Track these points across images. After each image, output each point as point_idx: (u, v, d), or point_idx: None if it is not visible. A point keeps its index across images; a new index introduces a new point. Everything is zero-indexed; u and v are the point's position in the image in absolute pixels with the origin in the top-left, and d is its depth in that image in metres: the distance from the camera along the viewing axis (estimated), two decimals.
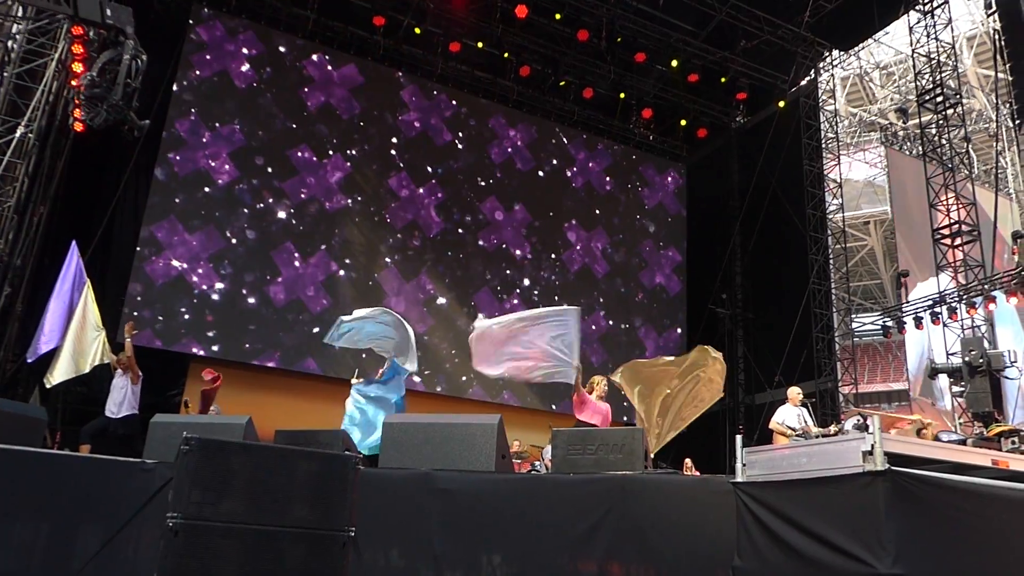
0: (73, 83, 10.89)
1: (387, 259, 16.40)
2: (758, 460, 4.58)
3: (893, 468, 3.71)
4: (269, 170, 15.48)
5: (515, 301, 17.57)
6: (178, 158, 14.65)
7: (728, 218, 19.58)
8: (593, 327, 18.30)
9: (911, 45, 16.02)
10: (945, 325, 14.24)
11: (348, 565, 3.14)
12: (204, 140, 14.97)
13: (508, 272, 17.71)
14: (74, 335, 8.18)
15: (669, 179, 20.73)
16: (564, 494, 5.84)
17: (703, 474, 13.58)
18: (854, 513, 3.80)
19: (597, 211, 19.38)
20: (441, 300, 16.75)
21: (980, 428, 5.56)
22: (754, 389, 18.30)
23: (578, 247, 18.83)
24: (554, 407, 16.70)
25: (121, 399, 8.46)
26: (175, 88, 14.82)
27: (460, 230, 17.33)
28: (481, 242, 17.51)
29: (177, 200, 14.51)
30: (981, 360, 5.20)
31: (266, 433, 8.71)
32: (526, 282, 17.90)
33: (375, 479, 5.86)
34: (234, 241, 14.87)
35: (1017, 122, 12.79)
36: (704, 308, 19.13)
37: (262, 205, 15.27)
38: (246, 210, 15.10)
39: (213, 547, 2.87)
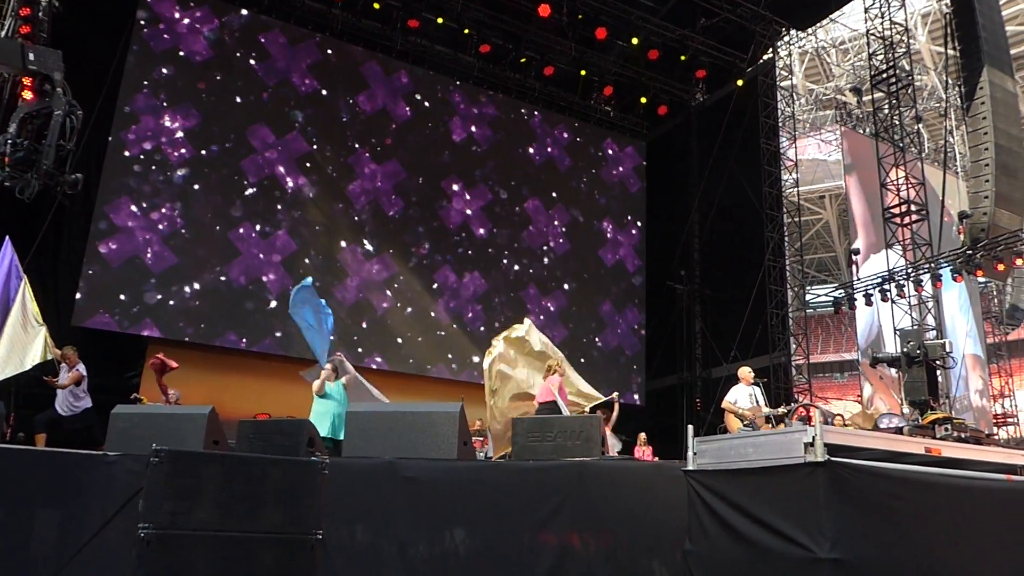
0: None
1: (347, 238, 16.37)
2: (708, 449, 4.80)
3: (832, 459, 3.95)
4: (226, 148, 15.30)
5: (475, 278, 17.70)
6: (131, 137, 14.40)
7: (687, 195, 19.88)
8: (552, 305, 18.53)
9: (866, 23, 16.32)
10: (893, 302, 14.72)
11: (318, 566, 3.28)
12: (158, 118, 14.72)
13: (469, 250, 17.81)
14: (13, 331, 8.07)
15: (629, 156, 20.92)
16: (525, 480, 6.02)
17: (658, 447, 14.09)
18: (796, 501, 4.05)
19: (558, 188, 19.51)
20: (402, 278, 16.81)
21: (916, 416, 5.89)
22: (711, 363, 18.73)
23: (539, 224, 18.97)
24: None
25: (62, 399, 8.61)
26: (127, 64, 14.51)
27: (421, 208, 17.35)
28: (443, 219, 17.56)
29: (131, 181, 14.29)
30: (919, 351, 5.50)
31: (229, 417, 8.79)
32: (486, 259, 18.02)
33: (341, 469, 5.99)
34: (191, 221, 14.72)
35: (965, 104, 13.17)
36: (663, 284, 19.47)
37: (219, 184, 15.11)
38: (202, 189, 14.93)
39: (186, 556, 2.98)
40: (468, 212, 17.97)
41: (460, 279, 17.53)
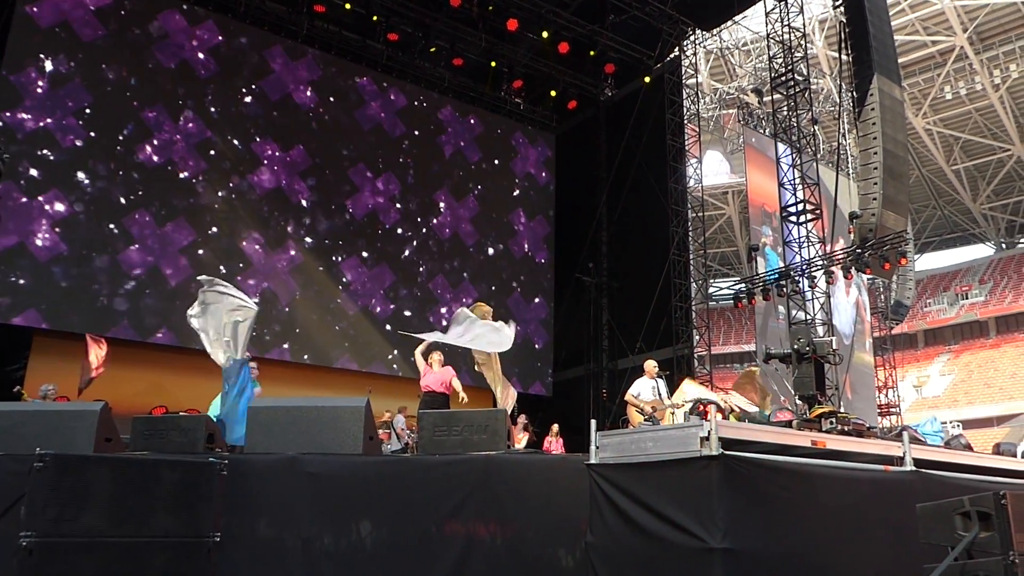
0: None
1: (250, 227, 15.94)
2: (610, 443, 4.93)
3: (726, 452, 4.12)
4: (120, 131, 14.63)
5: (383, 269, 17.55)
6: (18, 117, 13.60)
7: (596, 189, 20.20)
8: (461, 296, 18.56)
9: (767, 28, 16.95)
10: (789, 297, 15.39)
11: (215, 569, 3.20)
12: (45, 97, 13.94)
13: (377, 240, 17.63)
14: None
15: (539, 149, 21.11)
16: (431, 475, 6.04)
17: (566, 438, 14.30)
18: (692, 493, 4.21)
19: (467, 179, 19.52)
20: (308, 268, 16.50)
21: (804, 410, 6.21)
22: (617, 355, 19.14)
23: (448, 215, 18.95)
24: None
25: None
26: (9, 39, 13.67)
27: (327, 197, 17.05)
28: (350, 209, 17.31)
29: (18, 166, 13.49)
30: (808, 348, 5.79)
31: (124, 413, 8.46)
32: (395, 250, 17.88)
33: (241, 466, 5.86)
34: (81, 206, 14.03)
35: (857, 109, 13.86)
36: (571, 277, 19.76)
37: (112, 167, 14.44)
38: (94, 173, 14.24)
39: (72, 565, 2.84)
40: (377, 202, 17.77)
41: (368, 270, 17.34)
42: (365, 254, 17.39)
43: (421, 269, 18.24)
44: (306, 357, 16.07)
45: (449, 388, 8.68)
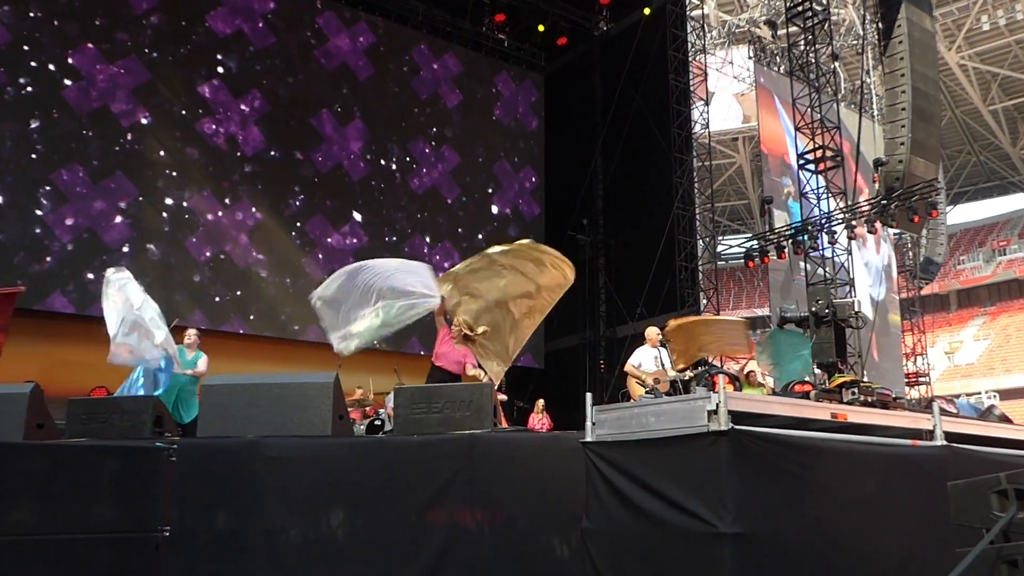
0: None
1: (200, 183, 15.77)
2: (607, 419, 4.94)
3: (736, 427, 4.14)
4: (43, 73, 14.32)
5: (354, 228, 17.45)
6: None
7: (590, 136, 20.10)
8: (440, 259, 18.51)
9: None
10: (807, 254, 15.43)
11: (164, 566, 3.18)
12: None
13: (345, 196, 17.50)
14: None
15: (525, 91, 20.94)
16: (408, 457, 6.05)
17: (560, 414, 14.40)
18: (698, 473, 4.23)
19: (445, 126, 19.36)
20: (268, 230, 16.37)
21: (823, 379, 6.22)
22: (616, 322, 19.20)
23: (424, 167, 18.82)
24: (402, 348, 16.89)
25: None
26: None
27: (288, 147, 16.87)
28: (313, 161, 17.14)
29: None
30: (827, 311, 5.76)
31: (58, 395, 8.41)
32: (367, 207, 17.76)
33: (194, 452, 5.85)
34: (3, 158, 13.80)
35: (883, 43, 13.78)
36: (563, 234, 19.70)
37: (39, 114, 14.17)
38: (12, 123, 13.97)
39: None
40: (343, 154, 17.60)
41: (336, 230, 17.23)
42: (333, 212, 17.26)
43: (397, 227, 18.14)
44: (266, 330, 16.01)
45: (463, 371, 8.29)
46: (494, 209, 19.82)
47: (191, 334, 8.90)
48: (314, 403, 6.33)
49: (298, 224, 16.79)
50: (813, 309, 5.89)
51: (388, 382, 12.18)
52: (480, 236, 19.36)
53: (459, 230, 19.12)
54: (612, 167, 19.69)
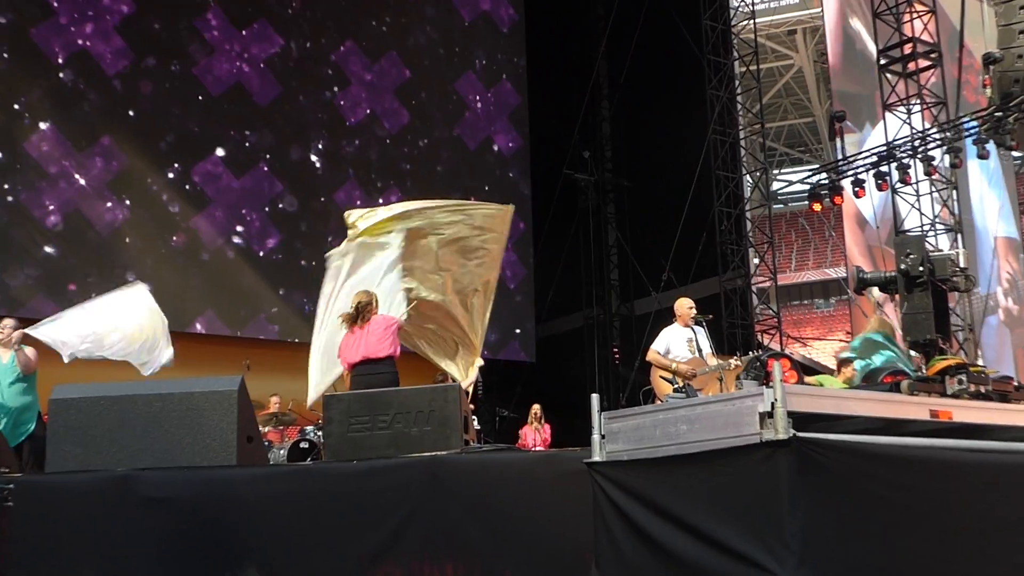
0: None
1: (41, 116, 15.60)
2: (622, 429, 4.91)
3: (800, 435, 4.11)
4: None
5: (260, 174, 17.34)
6: None
7: (590, 35, 20.00)
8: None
9: None
10: (895, 191, 15.44)
11: None
12: None
13: (247, 130, 17.34)
14: None
15: None
16: (350, 490, 6.06)
17: (557, 423, 14.46)
18: (749, 500, 4.20)
19: (387, 27, 19.21)
20: (134, 178, 16.24)
21: (919, 363, 6.21)
22: (633, 294, 19.28)
23: (359, 86, 18.69)
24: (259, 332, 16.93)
25: None
26: None
27: (160, 62, 16.67)
28: (197, 80, 16.97)
29: None
30: (922, 268, 5.71)
31: None
32: (278, 144, 17.63)
33: (39, 492, 5.82)
34: None
35: None
36: (557, 173, 19.70)
37: None
38: None
39: None
40: (240, 68, 17.43)
41: (236, 177, 17.11)
42: (225, 152, 17.10)
43: (321, 172, 18.02)
44: None
45: (397, 349, 8.30)
46: (460, 142, 19.72)
47: (6, 325, 8.78)
48: (211, 421, 6.31)
49: (177, 167, 16.63)
50: (903, 267, 5.82)
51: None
52: (436, 182, 19.28)
53: (406, 171, 19.01)
54: (622, 77, 19.63)
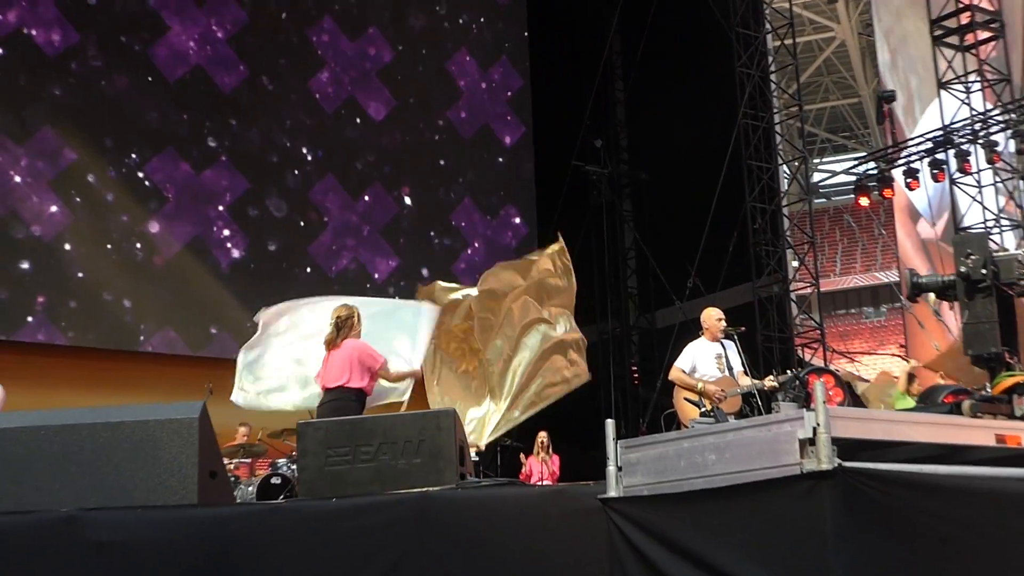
0: None
1: None
2: (641, 460, 4.90)
3: (846, 465, 4.10)
4: None
5: (224, 170, 17.35)
6: None
7: (601, 6, 19.99)
8: (368, 214, 18.45)
9: None
10: (953, 181, 15.41)
11: None
12: None
13: (207, 119, 17.36)
14: None
15: None
16: (323, 535, 6.02)
17: (566, 454, 14.44)
18: (787, 540, 4.19)
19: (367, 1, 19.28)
20: (79, 175, 16.25)
21: (983, 382, 6.16)
22: (653, 304, 19.26)
23: (338, 66, 18.70)
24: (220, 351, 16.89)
25: None
26: None
27: (108, 41, 16.69)
28: (152, 63, 16.98)
29: None
30: (984, 271, 5.65)
31: None
32: (241, 134, 17.63)
33: None
34: None
35: None
36: (565, 165, 19.67)
37: None
38: None
39: None
40: (203, 49, 17.46)
41: (195, 174, 17.11)
42: (187, 145, 17.12)
43: (291, 168, 18.05)
44: (90, 338, 15.94)
45: (372, 378, 8.46)
46: (452, 128, 19.72)
47: None
48: (168, 453, 6.28)
49: (129, 165, 16.64)
50: (963, 269, 5.77)
51: (292, 415, 12.17)
52: (426, 176, 19.31)
53: (391, 165, 19.03)
54: (638, 55, 19.62)
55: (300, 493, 6.80)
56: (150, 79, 16.97)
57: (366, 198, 18.40)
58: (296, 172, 18.11)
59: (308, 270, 17.78)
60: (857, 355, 28.04)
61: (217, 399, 10.48)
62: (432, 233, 19.17)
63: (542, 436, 14.42)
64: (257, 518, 6.57)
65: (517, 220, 20.25)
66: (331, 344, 8.32)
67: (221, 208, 17.32)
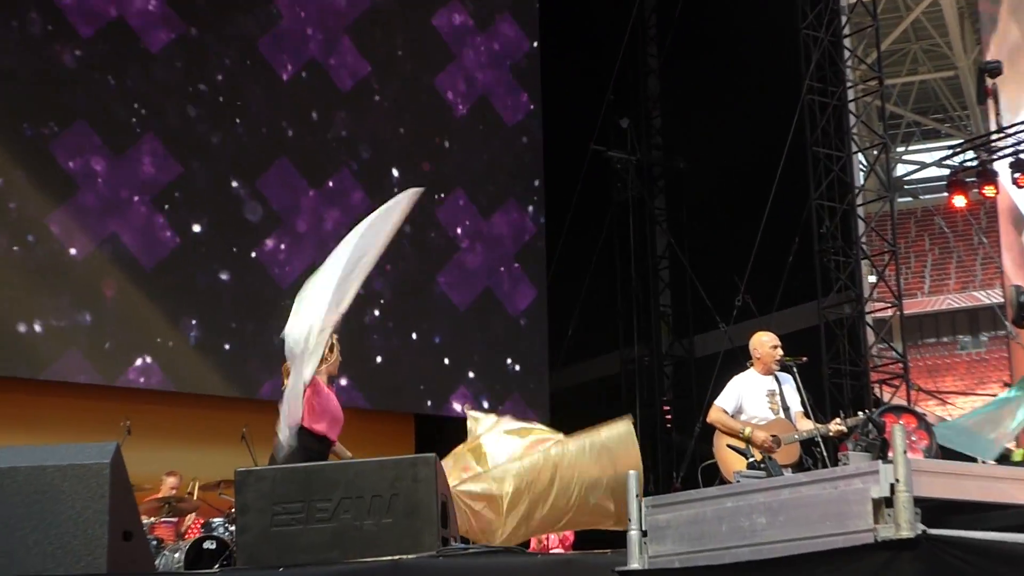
0: None
1: None
2: (673, 523, 4.89)
3: (932, 533, 4.10)
4: None
5: (159, 158, 17.37)
6: None
7: None
8: (336, 211, 18.45)
9: None
10: None
11: None
12: None
13: (125, 85, 17.37)
14: None
15: None
16: None
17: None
18: None
19: None
20: None
21: None
22: (693, 327, 19.28)
23: (295, 21, 18.74)
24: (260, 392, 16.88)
25: None
26: None
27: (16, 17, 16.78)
28: (60, 16, 17.02)
29: None
30: None
31: None
32: (178, 109, 17.67)
33: None
34: None
35: None
36: (581, 149, 19.72)
37: None
38: None
39: None
40: (140, 7, 17.50)
41: (113, 155, 17.13)
42: (110, 126, 17.12)
43: (234, 147, 18.04)
44: None
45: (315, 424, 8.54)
46: (436, 104, 19.75)
47: None
48: (72, 508, 6.28)
49: (48, 155, 16.65)
50: None
51: (234, 458, 12.19)
52: (406, 161, 19.33)
53: (362, 146, 19.04)
54: (676, 12, 19.69)
55: (239, 561, 6.79)
56: (60, 40, 17.03)
57: (329, 184, 18.36)
58: (241, 155, 18.10)
59: (255, 276, 17.68)
60: (949, 395, 28.06)
61: (137, 440, 10.49)
62: (411, 232, 19.10)
63: None
64: None
65: (521, 218, 20.23)
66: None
67: (145, 199, 17.29)
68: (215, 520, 11.74)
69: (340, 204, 18.44)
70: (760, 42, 18.42)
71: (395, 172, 19.14)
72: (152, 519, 11.90)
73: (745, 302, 17.53)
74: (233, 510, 9.00)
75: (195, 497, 12.98)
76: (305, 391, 8.23)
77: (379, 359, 18.06)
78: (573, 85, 20.40)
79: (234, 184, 17.91)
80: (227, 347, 16.82)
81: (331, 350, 8.79)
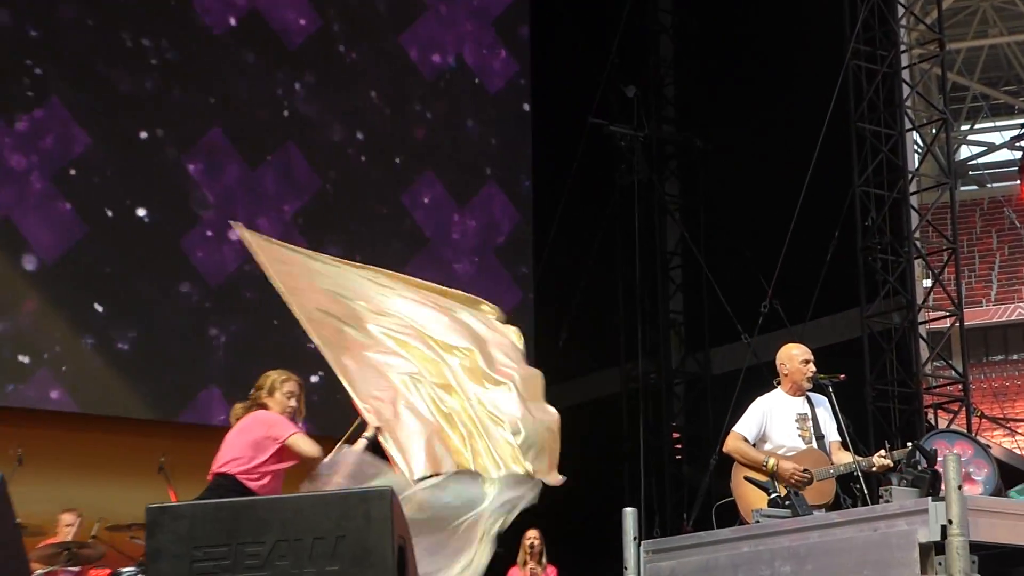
0: None
1: None
2: (678, 571, 4.87)
3: None
4: None
5: (43, 118, 17.38)
6: None
7: None
8: (292, 200, 18.45)
9: None
10: None
11: None
12: None
13: (19, 39, 17.39)
14: None
15: None
16: None
17: (572, 561, 14.50)
18: None
19: None
20: None
21: None
22: (709, 338, 19.32)
23: (302, 21, 18.80)
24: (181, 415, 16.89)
25: None
26: None
27: None
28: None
29: None
30: None
31: None
32: (71, 65, 17.68)
33: None
34: None
35: None
36: (578, 122, 19.75)
37: None
38: None
39: None
40: None
41: (6, 123, 17.14)
42: (18, 98, 17.16)
43: (155, 113, 18.05)
44: None
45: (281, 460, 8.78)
46: (404, 67, 19.77)
47: None
48: None
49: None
50: None
51: (147, 495, 12.17)
52: (369, 138, 19.35)
53: (312, 118, 19.06)
54: None
55: None
56: None
57: (268, 160, 18.35)
58: (160, 125, 18.09)
59: (174, 274, 17.61)
60: (1020, 424, 28.10)
61: (30, 472, 10.46)
62: (370, 219, 19.09)
63: (531, 538, 14.43)
64: None
65: (504, 204, 20.24)
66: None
67: (45, 174, 17.27)
68: (125, 570, 11.73)
69: (284, 183, 18.46)
70: (789, 9, 18.47)
71: (346, 148, 19.11)
72: (47, 568, 11.88)
73: (772, 309, 17.55)
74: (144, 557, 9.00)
75: (100, 541, 12.93)
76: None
77: None
78: (568, 47, 20.45)
79: (157, 163, 17.92)
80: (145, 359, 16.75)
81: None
